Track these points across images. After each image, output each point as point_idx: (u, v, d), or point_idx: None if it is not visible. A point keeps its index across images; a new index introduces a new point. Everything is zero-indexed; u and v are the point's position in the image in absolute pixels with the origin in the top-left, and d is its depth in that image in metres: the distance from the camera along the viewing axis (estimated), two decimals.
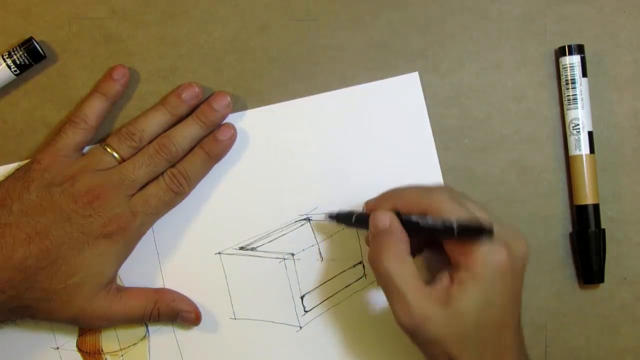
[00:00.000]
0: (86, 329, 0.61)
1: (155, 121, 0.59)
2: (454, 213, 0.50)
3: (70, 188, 0.56)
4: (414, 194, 0.53)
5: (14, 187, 0.56)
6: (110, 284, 0.58)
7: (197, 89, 0.59)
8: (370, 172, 0.61)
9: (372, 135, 0.61)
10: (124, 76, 0.59)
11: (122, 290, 0.59)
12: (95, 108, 0.59)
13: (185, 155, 0.59)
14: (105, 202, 0.56)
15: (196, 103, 0.59)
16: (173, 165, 0.59)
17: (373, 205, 0.55)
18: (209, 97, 0.60)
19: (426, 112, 0.61)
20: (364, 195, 0.60)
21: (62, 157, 0.57)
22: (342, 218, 0.58)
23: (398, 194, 0.54)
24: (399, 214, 0.52)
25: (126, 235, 0.57)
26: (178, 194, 0.58)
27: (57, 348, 0.61)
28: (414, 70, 0.61)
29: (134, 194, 0.57)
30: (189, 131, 0.58)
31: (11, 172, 0.58)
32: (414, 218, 0.51)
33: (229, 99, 0.59)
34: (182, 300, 0.60)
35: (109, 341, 0.61)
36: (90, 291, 0.56)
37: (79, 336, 0.61)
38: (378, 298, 0.61)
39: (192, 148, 0.59)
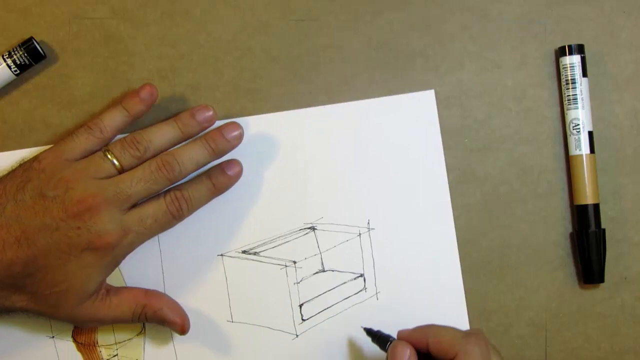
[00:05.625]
0: None
1: (163, 135, 0.57)
2: None
3: (63, 195, 0.55)
4: (448, 339, 0.52)
5: (12, 184, 0.56)
6: (97, 292, 0.57)
7: (211, 112, 0.58)
8: (378, 186, 0.61)
9: (382, 150, 0.61)
10: (151, 97, 0.58)
11: (112, 292, 0.58)
12: (115, 121, 0.57)
13: (188, 180, 0.58)
14: (95, 215, 0.54)
15: (208, 126, 0.58)
16: (176, 187, 0.58)
17: (406, 336, 0.54)
18: (221, 125, 0.59)
19: (439, 131, 0.61)
20: (369, 209, 0.61)
21: (64, 160, 0.56)
22: (378, 340, 0.56)
23: (433, 332, 0.53)
24: (423, 355, 0.52)
25: (113, 252, 0.56)
26: (175, 218, 0.58)
27: (53, 337, 0.61)
28: (414, 70, 0.61)
29: (128, 209, 0.56)
30: (195, 154, 0.57)
31: (13, 167, 0.58)
32: None
33: (241, 130, 0.58)
34: (170, 308, 0.59)
35: (105, 334, 0.61)
36: (75, 300, 0.56)
37: (75, 327, 0.61)
38: (377, 312, 0.61)
39: (196, 173, 0.58)
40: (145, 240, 0.58)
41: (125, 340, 0.61)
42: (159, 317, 0.58)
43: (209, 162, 0.58)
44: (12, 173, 0.57)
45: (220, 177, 0.59)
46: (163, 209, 0.57)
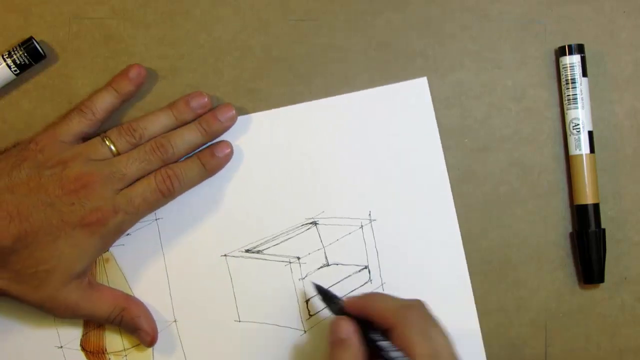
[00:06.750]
0: (89, 327, 0.61)
1: (159, 122, 0.59)
2: (417, 346, 0.50)
3: (60, 173, 0.56)
4: (388, 309, 0.53)
5: (7, 163, 0.56)
6: (82, 277, 0.57)
7: (206, 99, 0.60)
8: (377, 177, 0.61)
9: (379, 140, 0.61)
10: (139, 76, 0.60)
11: (94, 287, 0.58)
12: (105, 103, 0.59)
13: (180, 161, 0.59)
14: (91, 192, 0.55)
15: (202, 112, 0.60)
16: (167, 167, 0.58)
17: (350, 303, 0.55)
18: (215, 107, 0.60)
19: (434, 117, 0.61)
20: (370, 200, 0.61)
21: (60, 142, 0.57)
22: (325, 297, 0.57)
23: (374, 300, 0.54)
24: (368, 327, 0.53)
25: (104, 230, 0.56)
26: (165, 197, 0.58)
27: (61, 347, 0.61)
28: (414, 70, 0.61)
29: (122, 189, 0.57)
30: (189, 136, 0.59)
31: (8, 148, 0.58)
32: (380, 343, 0.51)
33: (234, 112, 0.60)
34: (146, 319, 0.60)
35: (113, 341, 0.61)
36: (59, 280, 0.56)
37: (82, 335, 0.61)
38: None
39: (188, 155, 0.59)
40: (135, 220, 0.58)
41: (133, 346, 0.61)
42: (135, 324, 0.59)
43: (202, 144, 0.59)
44: (7, 152, 0.57)
45: (210, 159, 0.59)
46: (153, 187, 0.57)
